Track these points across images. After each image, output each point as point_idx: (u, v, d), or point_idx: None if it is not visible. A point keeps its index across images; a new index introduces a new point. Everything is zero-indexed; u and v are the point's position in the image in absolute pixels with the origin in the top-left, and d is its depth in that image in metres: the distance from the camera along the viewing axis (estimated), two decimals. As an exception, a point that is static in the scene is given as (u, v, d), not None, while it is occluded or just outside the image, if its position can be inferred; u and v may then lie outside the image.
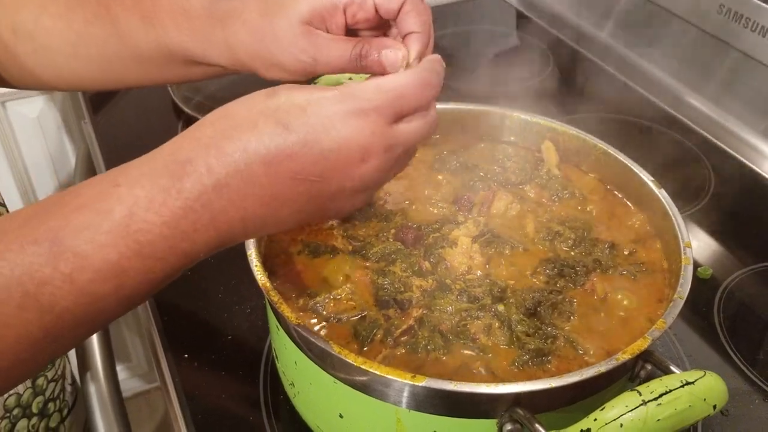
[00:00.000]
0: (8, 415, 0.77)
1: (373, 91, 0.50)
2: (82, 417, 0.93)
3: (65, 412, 0.89)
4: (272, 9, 0.60)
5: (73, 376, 0.95)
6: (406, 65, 0.57)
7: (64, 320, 0.44)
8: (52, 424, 0.86)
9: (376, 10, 0.59)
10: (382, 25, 0.61)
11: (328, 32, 0.60)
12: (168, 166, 0.46)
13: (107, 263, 0.44)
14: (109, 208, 0.45)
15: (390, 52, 0.58)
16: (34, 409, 0.81)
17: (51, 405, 0.85)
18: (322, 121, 0.48)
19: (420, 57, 0.58)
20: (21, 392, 0.78)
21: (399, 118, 0.51)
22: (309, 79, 0.63)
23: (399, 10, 0.58)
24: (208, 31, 0.63)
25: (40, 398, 0.82)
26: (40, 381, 0.82)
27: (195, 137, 0.48)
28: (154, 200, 0.45)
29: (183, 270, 0.49)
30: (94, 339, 0.89)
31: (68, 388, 0.90)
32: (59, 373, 0.87)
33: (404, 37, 0.58)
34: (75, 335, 0.47)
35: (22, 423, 0.79)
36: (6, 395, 0.76)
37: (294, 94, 0.49)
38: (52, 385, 0.84)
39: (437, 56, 0.56)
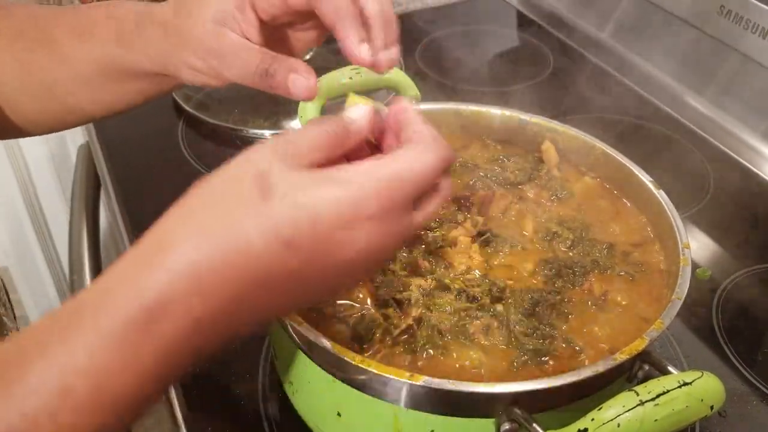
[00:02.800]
0: None
1: (397, 180, 0.43)
2: None
3: None
4: (186, 8, 0.57)
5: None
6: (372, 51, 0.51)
7: None
8: None
9: (287, 2, 0.54)
10: (308, 14, 0.55)
11: (243, 32, 0.55)
12: (132, 316, 0.39)
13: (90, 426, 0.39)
14: (69, 385, 0.38)
15: (297, 78, 0.53)
16: None
17: None
18: (336, 234, 0.41)
19: (383, 42, 0.52)
20: None
21: (419, 202, 0.45)
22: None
23: None
24: (130, 38, 0.61)
25: None
26: None
27: (166, 267, 0.39)
28: (124, 362, 0.39)
29: None
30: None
31: None
32: None
33: (336, 28, 0.52)
34: None
35: None
36: None
37: (297, 195, 0.41)
38: None
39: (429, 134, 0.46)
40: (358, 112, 0.47)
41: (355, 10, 0.52)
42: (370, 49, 0.52)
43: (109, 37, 0.62)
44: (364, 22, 0.52)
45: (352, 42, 0.51)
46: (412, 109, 0.47)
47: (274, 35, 0.59)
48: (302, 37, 0.61)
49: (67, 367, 0.38)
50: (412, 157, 0.44)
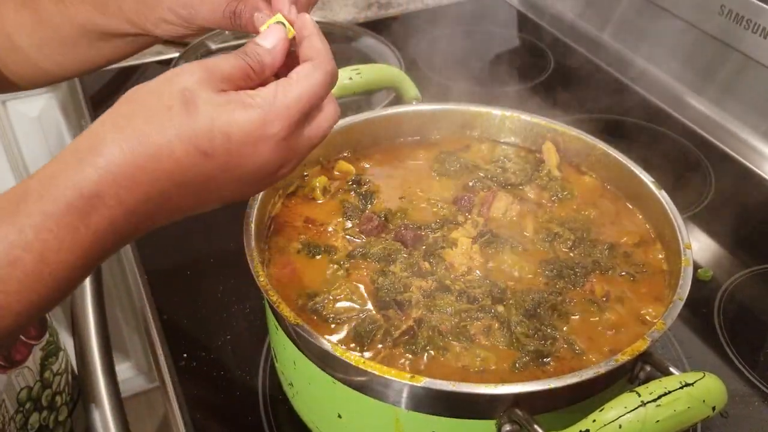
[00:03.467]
0: (22, 409, 0.77)
1: (295, 103, 0.50)
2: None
3: (71, 405, 0.89)
4: None
5: (74, 371, 0.95)
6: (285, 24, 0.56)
7: None
8: (61, 417, 0.86)
9: None
10: None
11: None
12: (72, 203, 0.45)
13: (28, 304, 0.45)
14: (17, 257, 0.44)
15: (260, 15, 0.58)
16: (44, 402, 0.81)
17: (58, 398, 0.85)
18: (246, 148, 0.49)
19: (298, 5, 0.58)
20: (32, 385, 0.79)
21: (311, 119, 0.52)
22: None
23: None
24: (106, 2, 0.66)
25: (48, 391, 0.82)
26: (47, 374, 0.82)
27: (100, 163, 0.46)
28: (63, 240, 0.45)
29: None
30: (93, 340, 0.89)
31: (72, 382, 0.90)
32: (63, 366, 0.87)
33: None
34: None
35: (35, 417, 0.80)
36: (18, 389, 0.77)
37: (215, 114, 0.48)
38: (57, 378, 0.85)
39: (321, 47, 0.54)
40: (274, 40, 0.54)
41: None
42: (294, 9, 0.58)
43: (87, 0, 0.67)
44: None
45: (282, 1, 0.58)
46: (312, 24, 0.54)
47: None
48: None
49: (16, 242, 0.44)
50: (305, 77, 0.51)
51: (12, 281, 0.44)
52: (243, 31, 0.62)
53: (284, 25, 0.55)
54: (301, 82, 0.51)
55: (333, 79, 0.53)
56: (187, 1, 0.62)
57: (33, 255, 0.44)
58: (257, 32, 0.58)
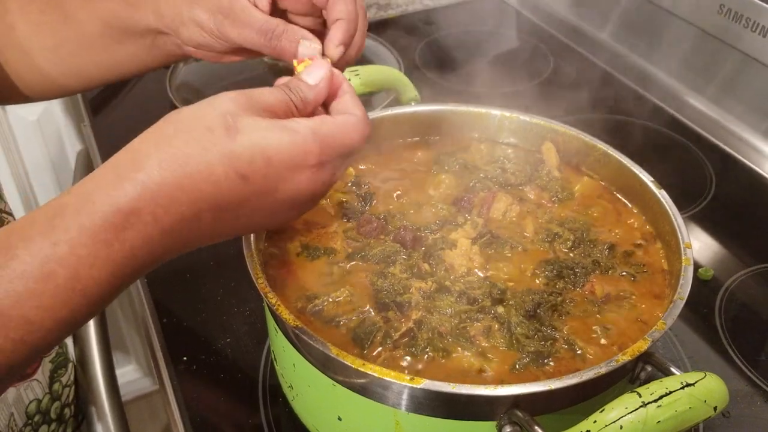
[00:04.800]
0: (30, 422, 0.77)
1: (335, 141, 0.52)
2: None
3: (80, 417, 0.89)
4: None
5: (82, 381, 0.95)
6: (323, 55, 0.59)
7: (15, 367, 0.45)
8: (70, 430, 0.86)
9: None
10: (311, 14, 0.62)
11: (253, 2, 0.61)
12: (109, 218, 0.45)
13: (58, 321, 0.45)
14: (51, 271, 0.44)
15: (308, 44, 0.59)
16: (53, 415, 0.81)
17: (67, 410, 0.85)
18: (283, 173, 0.49)
19: (343, 43, 0.59)
20: (41, 398, 0.79)
21: (340, 163, 0.54)
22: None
23: None
24: None
25: (57, 404, 0.82)
26: (56, 386, 0.82)
27: (139, 180, 0.45)
28: (97, 257, 0.45)
29: None
30: (93, 344, 0.89)
31: (81, 394, 0.90)
32: (72, 378, 0.87)
33: (330, 24, 0.59)
34: (25, 365, 0.47)
35: (44, 429, 0.80)
36: (27, 402, 0.77)
37: (255, 137, 0.48)
38: (66, 390, 0.85)
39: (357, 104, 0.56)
40: (318, 77, 0.54)
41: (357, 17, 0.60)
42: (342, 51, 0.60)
43: None
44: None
45: (331, 41, 0.60)
46: (347, 80, 0.57)
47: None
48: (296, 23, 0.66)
49: (50, 256, 0.44)
50: (351, 125, 0.53)
51: (45, 296, 0.44)
52: (275, 55, 0.61)
53: (329, 61, 0.57)
54: (348, 125, 0.53)
55: (363, 140, 0.54)
56: (226, 7, 0.60)
57: (67, 270, 0.44)
58: (290, 59, 0.59)
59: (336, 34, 0.59)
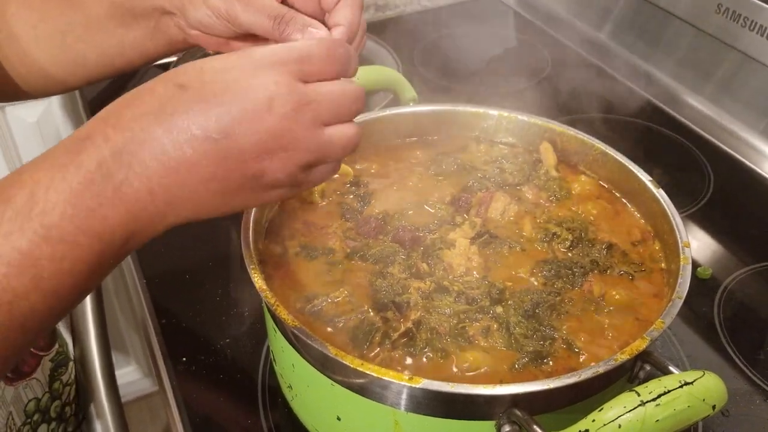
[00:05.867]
0: (29, 420, 0.77)
1: (278, 47, 0.50)
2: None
3: (81, 416, 0.89)
4: None
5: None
6: None
7: None
8: (70, 429, 0.86)
9: None
10: (317, 15, 0.61)
11: None
12: (68, 145, 0.47)
13: (18, 252, 0.43)
14: (12, 194, 0.44)
15: (314, 29, 0.58)
16: (53, 414, 0.81)
17: (67, 409, 0.85)
18: (222, 77, 0.47)
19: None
20: (40, 396, 0.78)
21: (306, 78, 0.49)
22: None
23: (338, 2, 0.59)
24: None
25: (57, 402, 0.82)
26: (57, 385, 0.82)
27: (97, 116, 0.48)
28: (53, 178, 0.45)
29: (106, 259, 0.47)
30: (93, 345, 0.89)
31: (82, 393, 0.90)
32: (72, 377, 0.87)
33: (331, 28, 0.59)
34: (9, 346, 0.45)
35: (43, 428, 0.80)
36: (26, 401, 0.76)
37: (197, 61, 0.49)
38: (67, 388, 0.85)
39: (343, 41, 0.57)
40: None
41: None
42: None
43: None
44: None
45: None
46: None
47: None
48: None
49: (13, 182, 0.45)
50: (298, 42, 0.54)
51: (3, 219, 0.44)
52: (281, 41, 0.60)
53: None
54: (310, 41, 0.52)
55: (338, 56, 0.51)
56: None
57: (24, 191, 0.44)
58: None
59: (336, 35, 0.59)
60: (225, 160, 0.47)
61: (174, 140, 0.46)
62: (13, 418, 0.74)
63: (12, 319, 0.44)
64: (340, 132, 0.51)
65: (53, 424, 0.81)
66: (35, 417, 0.78)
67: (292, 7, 0.61)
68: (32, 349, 0.79)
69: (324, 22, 0.61)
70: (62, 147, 0.47)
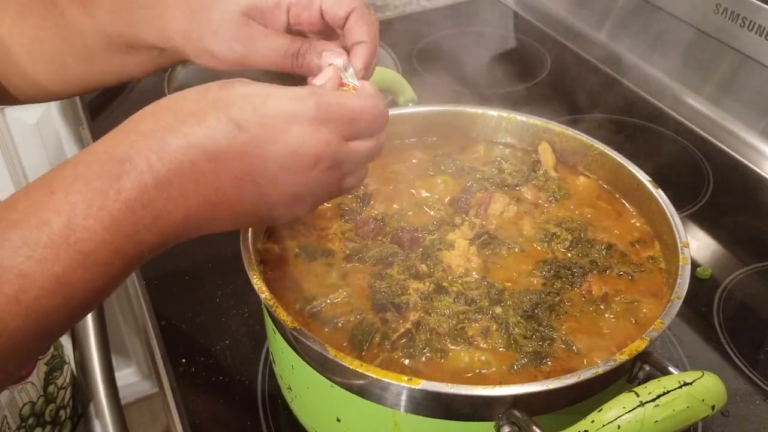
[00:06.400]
0: (24, 424, 0.77)
1: (336, 104, 0.50)
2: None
3: (75, 419, 0.89)
4: None
5: (81, 385, 0.95)
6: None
7: (16, 340, 0.42)
8: None
9: (322, 16, 0.59)
10: (326, 31, 0.61)
11: (268, 27, 0.60)
12: (104, 165, 0.44)
13: (52, 278, 0.42)
14: (46, 219, 0.43)
15: (329, 54, 0.58)
16: (47, 417, 0.81)
17: (62, 413, 0.85)
18: (279, 123, 0.47)
19: (366, 67, 0.59)
20: (35, 400, 0.78)
21: (353, 137, 0.51)
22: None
23: (346, 19, 0.58)
24: (143, 11, 0.62)
25: (52, 406, 0.82)
26: (51, 389, 0.82)
27: (134, 131, 0.46)
28: (91, 205, 0.43)
29: (130, 273, 0.48)
30: (93, 347, 0.88)
31: (77, 396, 0.90)
32: (67, 380, 0.87)
33: (351, 46, 0.59)
34: (29, 352, 0.45)
35: (37, 431, 0.80)
36: (21, 404, 0.76)
37: (251, 89, 0.48)
38: (62, 392, 0.84)
39: (381, 98, 0.57)
40: (324, 79, 0.56)
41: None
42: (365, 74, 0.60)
43: (114, 9, 0.64)
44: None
45: (355, 64, 0.59)
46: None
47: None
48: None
49: (45, 204, 0.43)
50: (354, 93, 0.54)
51: (39, 246, 0.42)
52: (301, 73, 0.60)
53: (344, 70, 0.56)
54: (350, 93, 0.53)
55: (370, 109, 0.52)
56: (248, 38, 0.59)
57: (60, 217, 0.42)
58: (316, 74, 0.58)
59: (361, 57, 0.59)
60: (259, 204, 0.49)
61: (221, 179, 0.46)
62: (7, 422, 0.74)
63: (36, 331, 0.43)
64: (356, 175, 0.55)
65: (48, 428, 0.81)
66: (30, 421, 0.78)
67: (299, 28, 0.61)
68: None
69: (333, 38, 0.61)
70: (97, 165, 0.44)
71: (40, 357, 0.81)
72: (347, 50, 0.60)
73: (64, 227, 0.43)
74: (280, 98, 0.48)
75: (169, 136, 0.45)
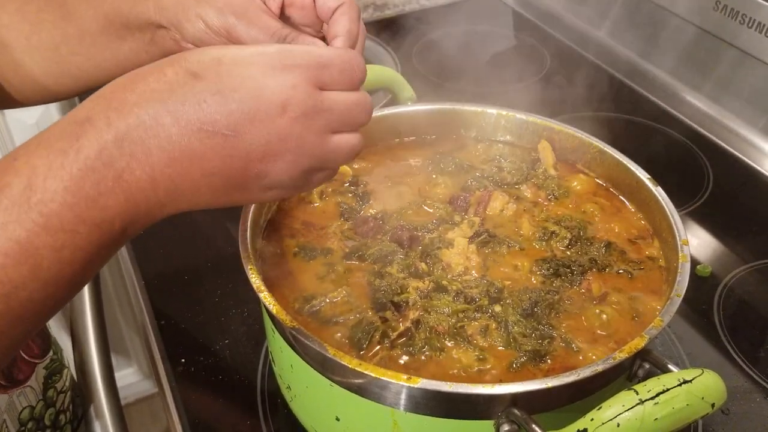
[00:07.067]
0: (23, 428, 0.76)
1: (302, 50, 0.49)
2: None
3: (75, 423, 0.88)
4: None
5: (80, 388, 0.95)
6: None
7: None
8: None
9: (314, 4, 0.59)
10: (313, 24, 0.61)
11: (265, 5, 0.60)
12: (65, 128, 0.44)
13: (15, 243, 0.42)
14: (7, 182, 0.42)
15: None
16: (47, 422, 0.81)
17: (62, 417, 0.85)
18: (239, 71, 0.46)
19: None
20: (34, 404, 0.78)
21: (326, 86, 0.49)
22: None
23: (334, 11, 0.58)
24: None
25: (51, 410, 0.82)
26: (51, 393, 0.82)
27: (97, 95, 0.46)
28: (52, 166, 0.43)
29: (105, 248, 0.46)
30: (92, 347, 0.88)
31: (77, 400, 0.90)
32: (67, 384, 0.87)
33: (330, 40, 0.58)
34: (4, 335, 0.44)
35: None
36: (20, 408, 0.76)
37: (212, 48, 0.48)
38: (61, 396, 0.84)
39: (359, 53, 0.57)
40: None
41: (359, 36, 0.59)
42: None
43: None
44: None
45: None
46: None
47: None
48: None
49: (8, 168, 0.43)
50: (319, 45, 0.54)
51: (1, 205, 0.42)
52: None
53: None
54: (332, 48, 0.52)
55: (356, 67, 0.51)
56: (242, 10, 0.59)
57: (21, 179, 0.42)
58: None
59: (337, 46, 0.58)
60: (230, 158, 0.47)
61: (182, 131, 0.45)
62: (7, 426, 0.74)
63: (10, 310, 0.43)
64: (345, 140, 0.51)
65: None
66: (29, 425, 0.77)
67: (289, 18, 0.61)
68: (26, 357, 0.78)
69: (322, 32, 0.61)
70: (59, 130, 0.44)
71: (38, 361, 0.80)
72: (327, 44, 0.60)
73: (24, 188, 0.42)
74: (241, 48, 0.48)
75: (127, 93, 0.45)
